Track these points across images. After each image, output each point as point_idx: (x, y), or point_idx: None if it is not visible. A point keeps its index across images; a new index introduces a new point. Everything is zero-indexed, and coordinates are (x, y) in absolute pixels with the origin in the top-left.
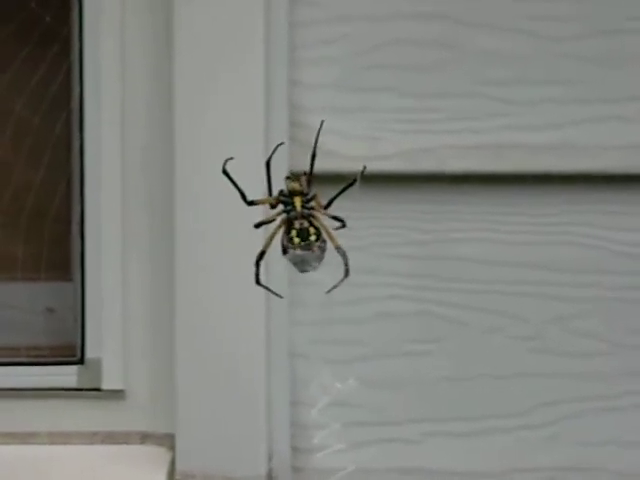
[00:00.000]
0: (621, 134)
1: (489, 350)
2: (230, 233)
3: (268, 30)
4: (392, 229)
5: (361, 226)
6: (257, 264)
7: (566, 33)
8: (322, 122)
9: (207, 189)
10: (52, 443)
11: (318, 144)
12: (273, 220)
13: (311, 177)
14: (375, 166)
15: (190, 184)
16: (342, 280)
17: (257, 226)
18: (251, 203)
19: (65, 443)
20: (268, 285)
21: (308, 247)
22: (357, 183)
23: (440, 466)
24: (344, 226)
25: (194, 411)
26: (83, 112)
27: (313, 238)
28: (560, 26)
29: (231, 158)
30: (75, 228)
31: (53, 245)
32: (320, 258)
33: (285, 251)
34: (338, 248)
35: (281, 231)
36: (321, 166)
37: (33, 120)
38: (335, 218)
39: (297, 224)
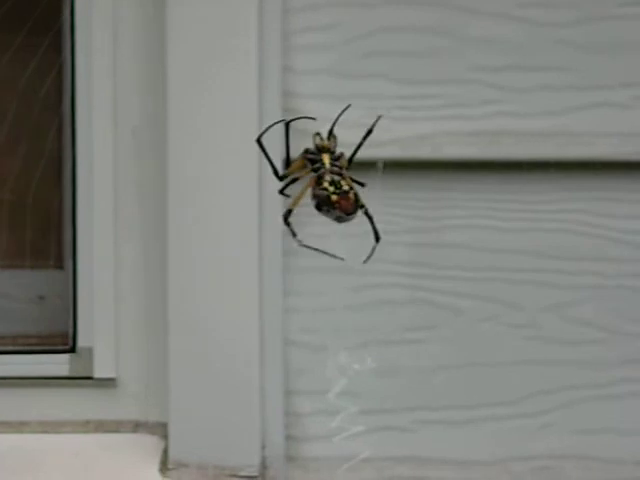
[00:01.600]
0: (616, 121)
1: (485, 338)
2: (224, 220)
3: (261, 17)
4: (387, 216)
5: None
6: (287, 223)
7: (560, 20)
8: (348, 105)
9: (200, 176)
10: (44, 432)
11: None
12: (296, 179)
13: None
14: (370, 153)
15: (183, 171)
16: (374, 248)
17: (282, 192)
18: (282, 178)
19: (57, 432)
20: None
21: (344, 195)
22: (373, 132)
23: (434, 454)
24: (363, 185)
25: (187, 400)
26: (75, 99)
27: (346, 187)
28: (554, 13)
29: (274, 125)
30: (67, 215)
31: (45, 233)
32: (355, 208)
33: (321, 204)
34: (364, 208)
35: (309, 190)
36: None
37: (24, 108)
38: (355, 181)
39: (328, 177)
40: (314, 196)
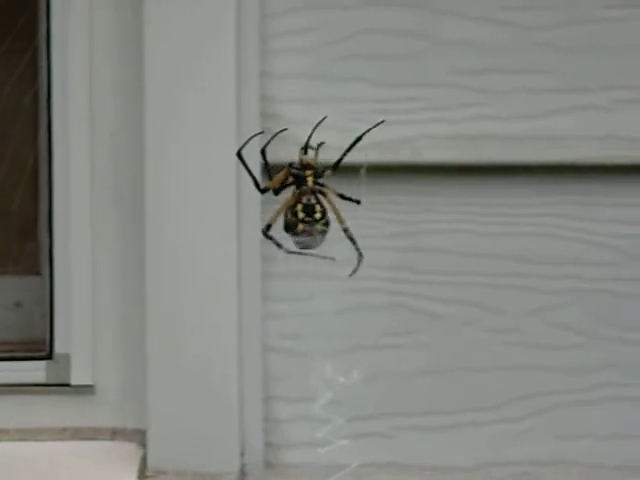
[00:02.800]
0: (597, 124)
1: (465, 343)
2: (202, 226)
3: (239, 21)
4: (367, 221)
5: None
6: (268, 236)
7: (541, 23)
8: (324, 118)
9: (178, 182)
10: (21, 439)
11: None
12: (280, 188)
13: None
14: (349, 157)
15: (160, 177)
16: (359, 264)
17: (263, 191)
18: (264, 190)
19: (34, 439)
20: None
21: (311, 225)
22: (364, 136)
23: (414, 461)
24: (359, 203)
25: (166, 406)
26: (51, 105)
27: (318, 216)
28: (535, 16)
29: (259, 134)
30: (43, 221)
31: (21, 239)
32: (322, 240)
33: (288, 228)
34: (346, 230)
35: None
36: (294, 157)
37: (0, 116)
38: (347, 199)
39: (304, 199)
40: (284, 216)
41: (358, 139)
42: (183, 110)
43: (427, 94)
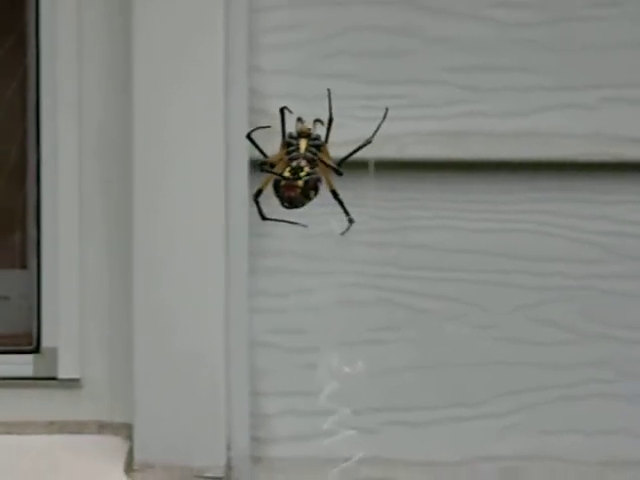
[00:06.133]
0: (583, 122)
1: (450, 338)
2: (189, 221)
3: (228, 15)
4: (353, 216)
5: (321, 212)
6: (256, 201)
7: (528, 20)
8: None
9: (166, 175)
10: (7, 433)
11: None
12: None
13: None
14: (336, 153)
15: (148, 172)
16: (348, 227)
17: (261, 168)
18: (271, 165)
19: (20, 433)
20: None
21: (293, 180)
22: (372, 140)
23: (400, 456)
24: (340, 174)
25: (152, 400)
26: (39, 99)
27: (303, 174)
28: (522, 13)
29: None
30: (31, 214)
31: (8, 232)
32: (308, 198)
33: (274, 188)
34: (334, 192)
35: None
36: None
37: None
38: (335, 170)
39: (295, 163)
40: (273, 181)
41: (368, 141)
42: (171, 104)
43: (414, 91)
